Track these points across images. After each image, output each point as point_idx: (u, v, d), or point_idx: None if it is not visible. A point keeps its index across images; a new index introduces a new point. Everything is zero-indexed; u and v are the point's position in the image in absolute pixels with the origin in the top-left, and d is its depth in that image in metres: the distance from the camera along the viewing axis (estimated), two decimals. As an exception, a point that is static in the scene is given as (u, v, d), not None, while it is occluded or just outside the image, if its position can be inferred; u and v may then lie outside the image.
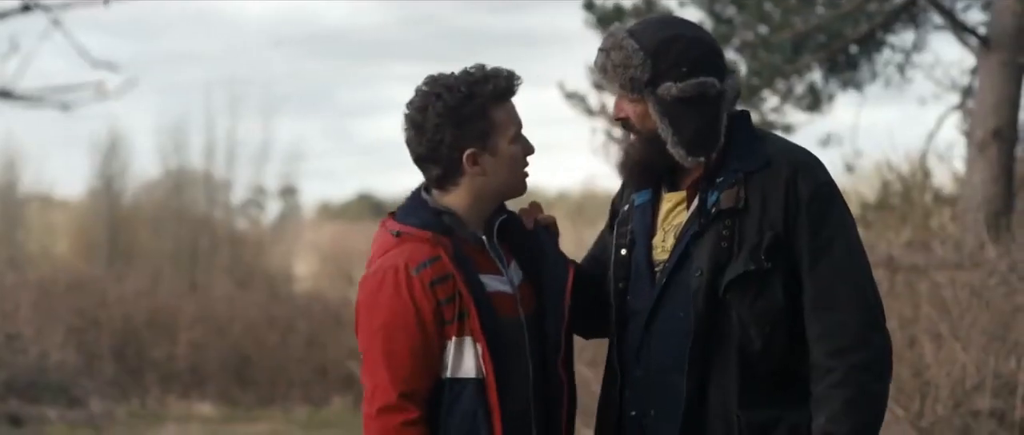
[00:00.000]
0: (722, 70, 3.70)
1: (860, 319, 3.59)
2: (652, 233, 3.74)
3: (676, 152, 3.65)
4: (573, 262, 3.82)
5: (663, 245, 3.72)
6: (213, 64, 38.58)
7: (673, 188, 3.75)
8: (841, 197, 3.68)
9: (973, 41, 11.64)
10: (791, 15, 13.31)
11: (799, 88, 14.07)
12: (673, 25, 3.73)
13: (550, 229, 3.84)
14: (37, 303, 17.16)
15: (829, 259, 3.60)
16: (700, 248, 3.64)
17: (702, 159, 3.66)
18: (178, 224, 22.61)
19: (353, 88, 46.76)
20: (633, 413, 3.72)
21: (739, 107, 3.77)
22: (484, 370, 3.58)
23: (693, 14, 13.84)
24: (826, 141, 14.49)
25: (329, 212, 31.51)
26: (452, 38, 42.99)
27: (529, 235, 3.78)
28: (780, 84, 13.97)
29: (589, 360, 9.64)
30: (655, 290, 3.69)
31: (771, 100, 14.16)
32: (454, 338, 3.59)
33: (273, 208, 25.34)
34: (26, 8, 12.66)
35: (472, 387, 3.59)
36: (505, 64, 3.69)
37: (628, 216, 3.79)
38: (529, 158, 3.72)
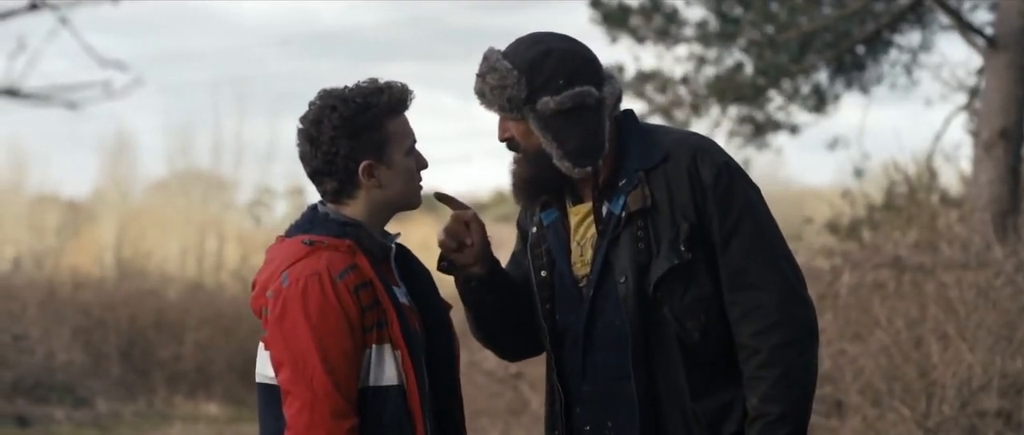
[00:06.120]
0: (599, 78, 3.72)
1: (777, 296, 3.63)
2: (569, 250, 3.76)
3: (562, 165, 3.67)
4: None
5: (582, 259, 3.75)
6: (212, 64, 38.60)
7: (577, 200, 3.77)
8: (744, 175, 3.72)
9: (980, 41, 11.63)
10: (797, 15, 13.30)
11: (805, 88, 14.05)
12: (544, 40, 3.72)
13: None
14: (44, 303, 17.18)
15: (739, 240, 3.64)
16: (619, 254, 3.67)
17: (590, 168, 3.68)
18: (185, 224, 22.62)
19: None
20: (587, 428, 3.74)
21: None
22: (405, 377, 3.56)
23: (698, 13, 13.84)
24: (833, 144, 14.49)
25: (336, 212, 31.45)
26: (453, 37, 43.03)
27: (412, 261, 3.77)
28: (786, 84, 13.95)
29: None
30: (585, 305, 3.72)
31: (777, 100, 14.15)
32: (374, 346, 3.55)
33: (280, 208, 25.36)
34: (33, 7, 12.62)
35: (395, 394, 3.56)
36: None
37: (540, 237, 3.80)
38: (423, 172, 3.69)
